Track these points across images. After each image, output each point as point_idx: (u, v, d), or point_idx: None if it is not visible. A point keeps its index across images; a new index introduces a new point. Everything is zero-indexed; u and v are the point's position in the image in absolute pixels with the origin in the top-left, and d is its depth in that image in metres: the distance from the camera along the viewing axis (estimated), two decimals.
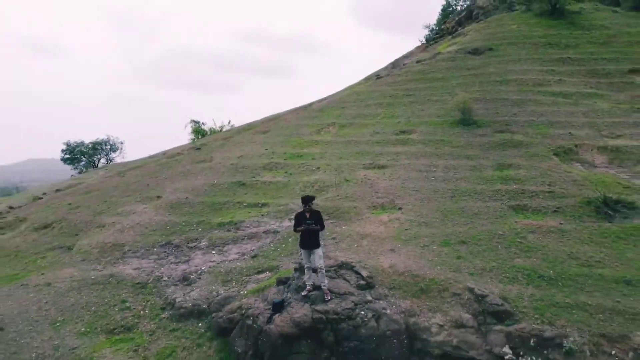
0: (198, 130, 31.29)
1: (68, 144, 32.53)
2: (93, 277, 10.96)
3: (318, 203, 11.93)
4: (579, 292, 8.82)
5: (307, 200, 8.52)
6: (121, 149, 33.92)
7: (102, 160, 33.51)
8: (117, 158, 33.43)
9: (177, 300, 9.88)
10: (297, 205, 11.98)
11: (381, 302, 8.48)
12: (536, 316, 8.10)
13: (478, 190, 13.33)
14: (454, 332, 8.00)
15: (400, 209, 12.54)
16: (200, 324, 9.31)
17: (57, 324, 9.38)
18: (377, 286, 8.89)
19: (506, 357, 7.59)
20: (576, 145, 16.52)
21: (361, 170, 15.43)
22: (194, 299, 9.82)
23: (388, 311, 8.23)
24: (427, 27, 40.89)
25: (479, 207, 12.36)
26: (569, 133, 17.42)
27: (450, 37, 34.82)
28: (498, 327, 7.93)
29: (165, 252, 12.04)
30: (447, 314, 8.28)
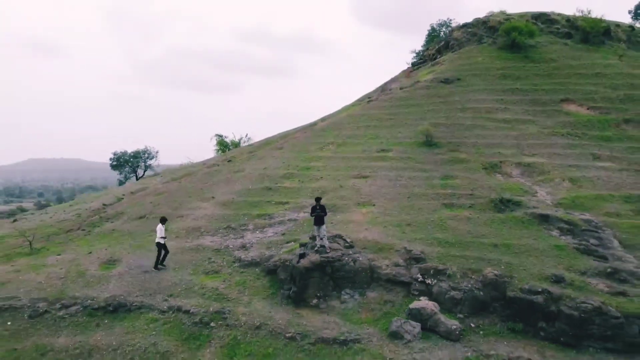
0: (222, 143, 38.96)
1: (115, 153, 40.27)
2: (187, 246, 18.58)
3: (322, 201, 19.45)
4: (466, 250, 16.43)
5: (317, 199, 16.16)
6: (156, 157, 41.56)
7: (141, 166, 41.13)
8: (153, 164, 41.02)
9: (242, 257, 17.48)
10: (309, 203, 19.46)
11: (357, 254, 16.09)
12: (437, 260, 15.72)
13: (425, 193, 20.96)
14: (394, 268, 15.62)
15: (374, 205, 20.18)
16: (257, 269, 16.88)
17: (176, 269, 16.97)
18: (355, 247, 16.50)
19: (419, 280, 15.20)
20: (501, 162, 24.14)
21: (351, 179, 23.05)
22: (251, 257, 17.42)
23: (360, 258, 15.85)
24: (414, 51, 48.47)
25: (423, 204, 19.99)
26: (499, 152, 25.06)
27: (430, 63, 42.42)
28: (416, 265, 15.56)
29: (227, 232, 19.66)
30: (391, 259, 15.90)
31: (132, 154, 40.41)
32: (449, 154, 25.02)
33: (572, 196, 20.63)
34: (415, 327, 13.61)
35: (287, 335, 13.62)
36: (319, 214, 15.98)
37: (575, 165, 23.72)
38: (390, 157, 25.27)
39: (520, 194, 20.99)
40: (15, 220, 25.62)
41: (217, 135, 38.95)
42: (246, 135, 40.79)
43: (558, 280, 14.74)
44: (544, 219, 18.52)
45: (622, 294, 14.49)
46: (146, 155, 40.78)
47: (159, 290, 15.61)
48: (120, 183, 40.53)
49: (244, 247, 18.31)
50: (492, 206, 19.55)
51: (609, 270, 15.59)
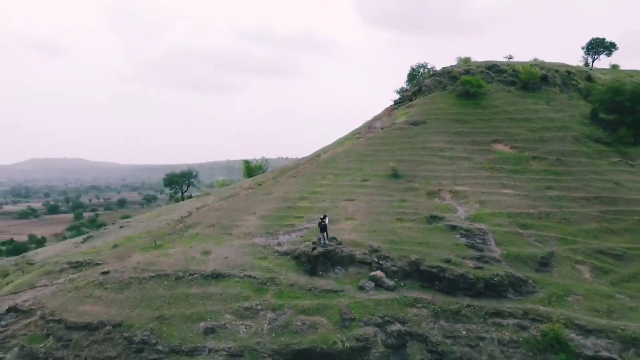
0: (248, 167, 53.17)
1: (167, 174, 54.56)
2: (247, 243, 32.75)
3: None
4: (404, 245, 30.63)
5: (322, 216, 30.43)
6: (197, 176, 55.73)
7: (185, 183, 55.45)
8: (195, 182, 55.26)
9: (279, 249, 31.67)
10: (317, 217, 33.43)
11: (344, 248, 30.32)
12: (386, 251, 29.95)
13: (387, 212, 35.14)
14: (363, 255, 29.87)
15: (355, 219, 34.37)
16: (288, 256, 31.00)
17: (242, 255, 31.13)
18: (342, 244, 30.71)
19: (375, 261, 29.44)
20: (439, 190, 38.28)
21: (342, 202, 37.24)
22: (285, 249, 31.60)
23: (345, 250, 30.10)
24: (397, 90, 62.51)
25: (385, 219, 34.18)
26: (440, 182, 39.22)
27: (407, 104, 56.41)
28: (375, 254, 29.81)
29: (268, 235, 33.79)
30: (362, 251, 30.13)
31: (179, 174, 54.40)
32: (406, 184, 39.19)
33: (477, 213, 34.82)
34: (371, 284, 27.85)
35: (306, 288, 27.80)
36: (323, 226, 30.16)
37: (487, 192, 37.89)
38: (368, 186, 39.44)
39: (446, 212, 35.17)
40: (122, 227, 39.79)
41: (244, 160, 53.03)
42: (264, 158, 55.20)
43: (447, 261, 28.97)
44: (453, 227, 32.75)
45: (480, 268, 28.73)
46: (190, 175, 54.82)
47: (236, 267, 29.76)
48: (171, 197, 54.62)
49: (279, 244, 32.50)
50: (426, 220, 33.74)
51: (478, 256, 29.86)
